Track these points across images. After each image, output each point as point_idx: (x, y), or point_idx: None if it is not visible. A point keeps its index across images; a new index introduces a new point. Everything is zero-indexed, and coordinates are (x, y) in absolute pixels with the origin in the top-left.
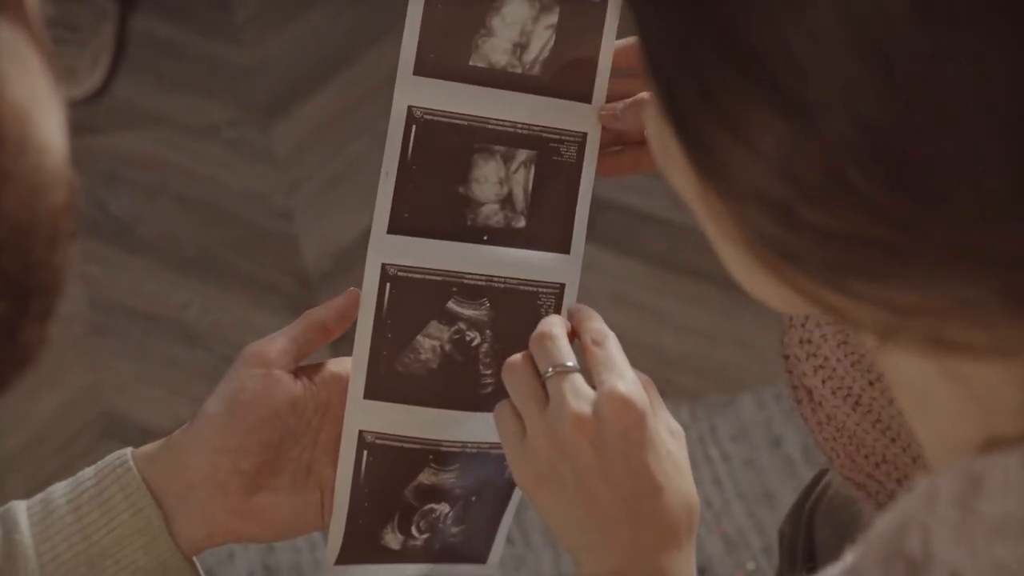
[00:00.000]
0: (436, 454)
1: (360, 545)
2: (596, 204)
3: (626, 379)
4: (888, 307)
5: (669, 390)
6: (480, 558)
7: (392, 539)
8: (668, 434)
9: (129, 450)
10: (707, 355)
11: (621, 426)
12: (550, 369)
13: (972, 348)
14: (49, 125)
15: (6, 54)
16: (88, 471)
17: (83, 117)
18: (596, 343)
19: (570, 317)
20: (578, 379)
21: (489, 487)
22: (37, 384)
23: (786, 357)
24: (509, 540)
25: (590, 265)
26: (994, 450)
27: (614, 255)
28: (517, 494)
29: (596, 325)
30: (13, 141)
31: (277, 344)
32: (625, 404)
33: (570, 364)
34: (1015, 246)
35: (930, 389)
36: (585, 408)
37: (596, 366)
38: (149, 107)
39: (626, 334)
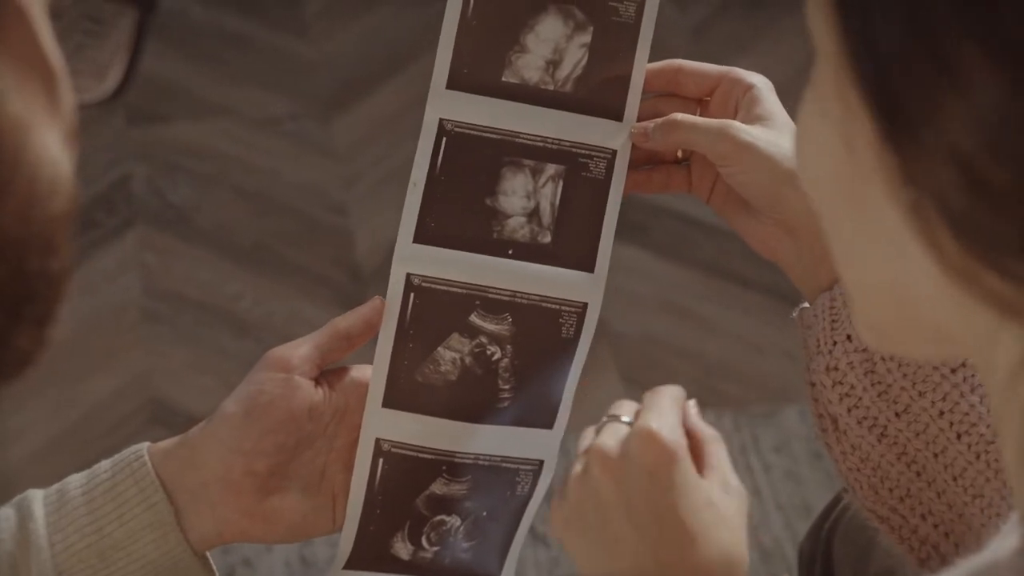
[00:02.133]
0: (449, 465)
1: (369, 552)
2: (648, 210)
3: (662, 419)
4: None
5: (713, 398)
6: None
7: (402, 548)
8: (718, 487)
9: (145, 445)
10: (753, 365)
11: (647, 463)
12: (604, 418)
13: None
14: (47, 137)
15: (4, 71)
16: (104, 464)
17: (148, 106)
18: (652, 392)
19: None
20: (622, 427)
21: (500, 502)
22: (89, 367)
23: (812, 384)
24: (544, 543)
25: (640, 271)
26: None
27: (664, 261)
28: (529, 514)
29: (661, 386)
30: (9, 155)
31: (301, 350)
32: (653, 440)
33: (624, 418)
34: None
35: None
36: (612, 444)
37: (641, 411)
38: (214, 98)
39: (673, 341)
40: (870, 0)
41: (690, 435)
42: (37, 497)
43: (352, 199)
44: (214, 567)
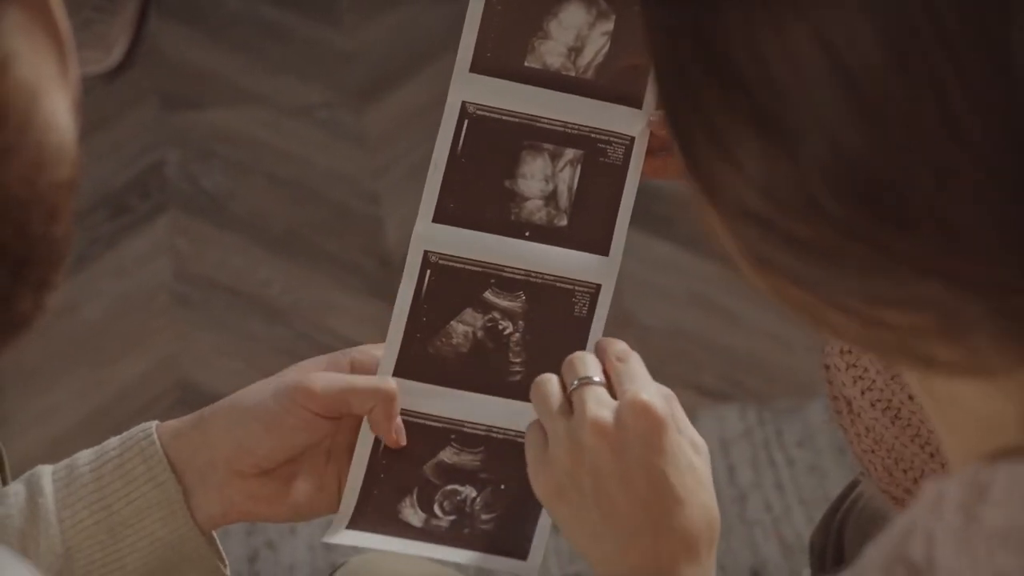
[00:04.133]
0: (459, 434)
1: (374, 514)
2: (675, 203)
3: (648, 389)
4: (871, 323)
5: (739, 392)
6: (521, 553)
7: (412, 515)
8: (691, 448)
9: (154, 423)
10: (779, 359)
11: (641, 432)
12: (575, 382)
13: (952, 367)
14: (56, 103)
15: (17, 33)
16: (113, 441)
17: (183, 92)
18: (620, 359)
19: (596, 348)
20: (601, 391)
21: (519, 476)
22: (119, 350)
23: (827, 367)
24: None
25: (667, 264)
26: (1002, 459)
27: (691, 254)
28: None
29: (620, 346)
30: (18, 117)
31: (333, 388)
32: (646, 411)
33: (596, 378)
34: (988, 271)
35: (925, 404)
36: (606, 415)
37: (619, 378)
38: (248, 86)
39: (700, 334)
40: (669, 82)
41: None
42: (46, 472)
43: (383, 188)
44: (219, 545)
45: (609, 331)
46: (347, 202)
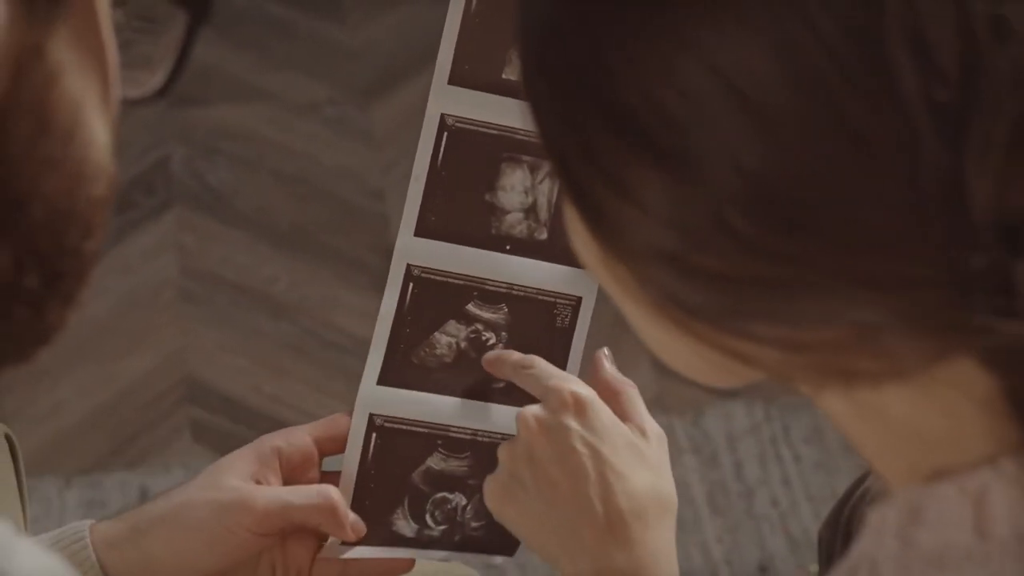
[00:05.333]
0: (445, 439)
1: (369, 528)
2: None
3: (566, 378)
4: (792, 347)
5: (745, 388)
6: (508, 552)
7: (405, 526)
8: (636, 432)
9: (87, 525)
10: None
11: (568, 412)
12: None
13: (874, 376)
14: (99, 120)
15: (67, 48)
16: (44, 538)
17: (189, 89)
18: (525, 367)
19: (489, 367)
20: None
21: None
22: (125, 345)
23: None
24: None
25: None
26: (934, 480)
27: None
28: None
29: (516, 357)
30: (64, 128)
31: (272, 506)
32: (571, 394)
33: None
34: (898, 269)
35: (855, 429)
36: (534, 409)
37: (535, 382)
38: (254, 82)
39: None
40: (559, 136)
41: (606, 385)
42: None
43: (389, 185)
44: None
45: (608, 330)
46: (353, 199)
